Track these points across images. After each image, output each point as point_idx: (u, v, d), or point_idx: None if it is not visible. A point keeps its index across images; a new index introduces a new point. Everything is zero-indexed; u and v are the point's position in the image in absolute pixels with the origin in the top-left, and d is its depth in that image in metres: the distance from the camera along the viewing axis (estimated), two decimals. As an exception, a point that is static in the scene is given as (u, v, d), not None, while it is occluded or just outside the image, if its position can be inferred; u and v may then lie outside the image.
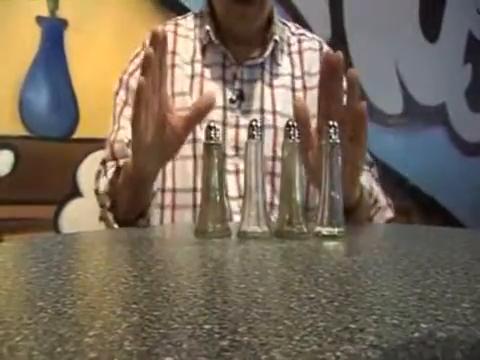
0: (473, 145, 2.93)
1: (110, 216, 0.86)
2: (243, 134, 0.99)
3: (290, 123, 0.65)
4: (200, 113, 0.73)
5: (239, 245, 0.60)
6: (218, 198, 0.65)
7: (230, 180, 0.99)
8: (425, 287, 0.36)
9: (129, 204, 0.82)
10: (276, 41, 1.04)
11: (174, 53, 1.04)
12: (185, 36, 1.07)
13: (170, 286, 0.37)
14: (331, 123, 0.62)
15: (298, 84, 1.07)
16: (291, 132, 0.64)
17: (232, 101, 1.02)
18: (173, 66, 1.03)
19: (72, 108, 1.92)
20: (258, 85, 1.03)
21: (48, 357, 0.23)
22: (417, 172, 2.66)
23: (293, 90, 1.07)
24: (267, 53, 1.04)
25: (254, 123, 0.64)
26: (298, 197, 0.64)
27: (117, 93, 1.05)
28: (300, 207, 0.64)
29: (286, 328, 0.27)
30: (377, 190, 0.96)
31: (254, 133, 0.64)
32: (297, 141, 0.64)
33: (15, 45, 1.85)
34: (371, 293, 0.34)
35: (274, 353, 0.23)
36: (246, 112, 1.02)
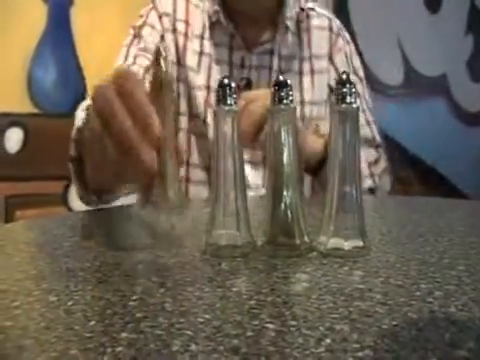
0: (473, 115, 2.95)
1: (71, 168, 0.75)
2: None
3: None
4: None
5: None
6: None
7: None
8: (425, 253, 0.40)
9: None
10: (287, 27, 1.01)
11: (187, 23, 1.02)
12: (196, 5, 1.04)
13: (195, 256, 0.41)
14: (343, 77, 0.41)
15: (306, 67, 1.05)
16: None
17: (239, 89, 0.98)
18: (186, 36, 1.02)
19: (79, 85, 1.94)
20: (266, 72, 1.01)
21: (101, 317, 0.28)
22: (418, 142, 2.69)
23: (300, 74, 1.04)
24: (277, 39, 1.01)
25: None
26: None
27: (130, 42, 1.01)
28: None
29: (305, 289, 0.31)
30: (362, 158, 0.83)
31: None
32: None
33: (22, 24, 1.87)
34: (377, 259, 0.38)
35: (295, 309, 0.27)
36: None
